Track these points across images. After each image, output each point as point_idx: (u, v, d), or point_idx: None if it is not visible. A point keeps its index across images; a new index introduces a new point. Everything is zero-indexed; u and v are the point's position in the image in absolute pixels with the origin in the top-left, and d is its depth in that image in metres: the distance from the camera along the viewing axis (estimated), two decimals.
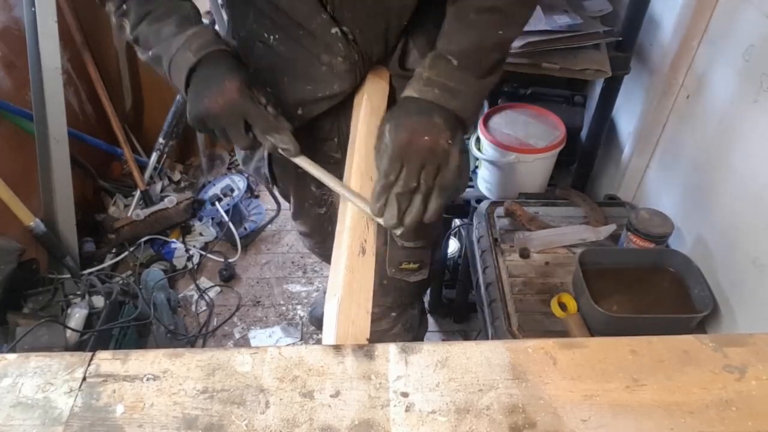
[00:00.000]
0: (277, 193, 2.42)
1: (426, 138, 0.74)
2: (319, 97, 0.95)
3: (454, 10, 0.82)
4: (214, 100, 0.79)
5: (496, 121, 1.58)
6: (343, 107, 0.98)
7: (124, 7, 0.85)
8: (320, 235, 1.49)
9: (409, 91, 0.81)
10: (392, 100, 0.96)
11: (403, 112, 0.79)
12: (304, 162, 0.84)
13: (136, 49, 0.89)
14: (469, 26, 0.80)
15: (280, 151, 0.82)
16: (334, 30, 0.88)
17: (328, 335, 0.63)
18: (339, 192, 0.81)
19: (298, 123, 0.97)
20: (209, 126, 0.82)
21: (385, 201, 0.74)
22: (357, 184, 0.82)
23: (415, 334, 1.39)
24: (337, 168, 1.06)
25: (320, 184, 1.20)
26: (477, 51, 0.81)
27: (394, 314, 1.31)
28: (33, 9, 1.81)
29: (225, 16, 0.97)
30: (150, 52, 0.86)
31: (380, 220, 0.75)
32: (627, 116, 1.65)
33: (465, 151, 1.19)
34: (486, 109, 1.61)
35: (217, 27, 2.46)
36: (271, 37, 0.91)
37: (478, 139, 1.58)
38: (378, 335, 1.33)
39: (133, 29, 0.86)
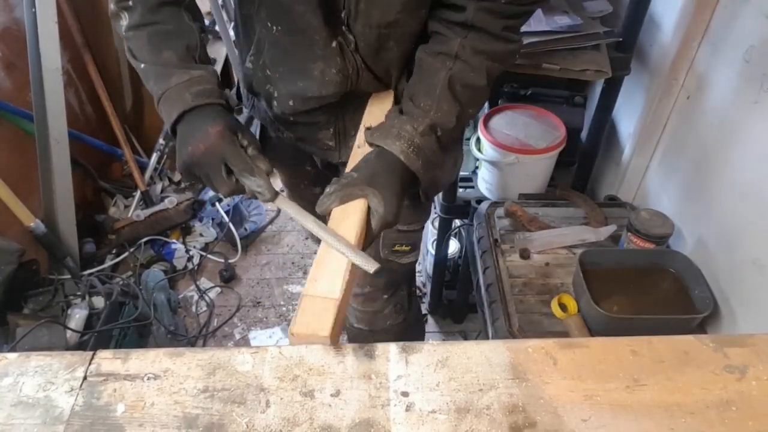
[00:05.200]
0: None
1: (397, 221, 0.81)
2: (309, 96, 0.95)
3: (448, 75, 0.84)
4: (197, 147, 0.79)
5: (496, 121, 1.58)
6: (340, 103, 0.98)
7: (130, 2, 0.83)
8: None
9: (395, 146, 0.82)
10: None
11: (390, 184, 0.80)
12: (282, 204, 0.81)
13: (126, 47, 0.87)
14: (455, 99, 0.85)
15: (256, 194, 0.81)
16: (334, 43, 0.88)
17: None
18: (322, 238, 0.73)
19: (291, 111, 0.99)
20: (195, 173, 0.82)
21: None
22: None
23: (405, 315, 1.42)
24: (331, 153, 1.08)
25: (314, 164, 1.22)
26: (456, 127, 0.87)
27: (385, 296, 1.34)
28: (33, 10, 1.81)
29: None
30: (142, 65, 0.85)
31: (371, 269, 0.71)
32: (627, 117, 1.65)
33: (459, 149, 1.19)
34: (486, 110, 1.61)
35: (217, 27, 2.47)
36: (275, 27, 0.91)
37: (478, 140, 1.59)
38: (369, 316, 1.36)
39: (131, 29, 0.84)
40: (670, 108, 1.42)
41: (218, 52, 2.55)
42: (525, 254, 1.36)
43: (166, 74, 0.83)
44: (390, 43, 0.90)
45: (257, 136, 1.19)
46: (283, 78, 0.96)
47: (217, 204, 2.40)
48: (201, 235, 2.42)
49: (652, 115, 1.46)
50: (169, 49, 0.83)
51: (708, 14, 1.24)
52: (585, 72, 1.39)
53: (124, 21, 0.84)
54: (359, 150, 0.88)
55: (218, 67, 2.49)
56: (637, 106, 1.54)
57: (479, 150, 1.59)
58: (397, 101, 0.98)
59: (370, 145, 0.86)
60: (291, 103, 0.98)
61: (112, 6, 0.86)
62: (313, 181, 1.30)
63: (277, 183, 1.29)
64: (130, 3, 0.84)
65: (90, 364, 0.56)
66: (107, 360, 0.57)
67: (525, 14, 0.87)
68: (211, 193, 2.46)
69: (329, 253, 0.70)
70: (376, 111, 0.95)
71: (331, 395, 0.53)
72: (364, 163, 0.83)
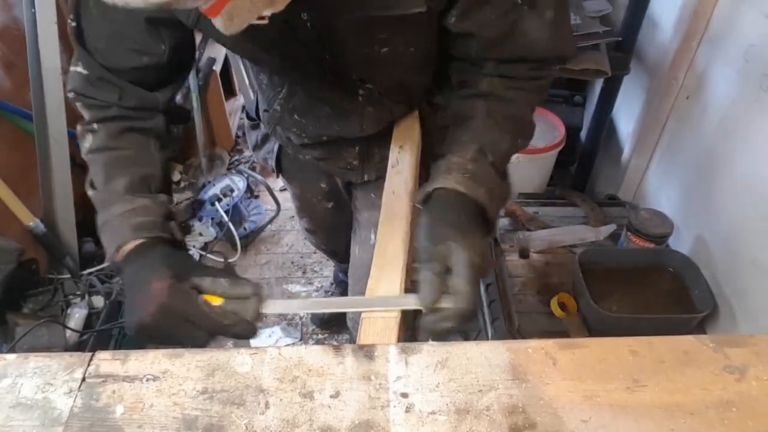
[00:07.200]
0: (276, 194, 2.42)
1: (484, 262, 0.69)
2: (344, 137, 0.97)
3: (485, 108, 0.79)
4: (145, 310, 0.65)
5: None
6: None
7: (95, 125, 0.78)
8: (325, 231, 1.49)
9: (448, 180, 0.72)
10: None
11: (458, 223, 0.69)
12: (275, 310, 0.69)
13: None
14: (500, 128, 0.78)
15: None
16: (361, 98, 0.89)
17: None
18: (348, 310, 0.69)
19: (322, 142, 1.00)
20: (156, 338, 0.68)
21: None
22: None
23: (410, 333, 1.40)
24: (354, 173, 1.07)
25: (330, 179, 1.21)
26: (507, 154, 0.79)
27: None
28: (33, 9, 1.81)
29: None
30: (91, 192, 0.79)
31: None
32: (627, 116, 1.65)
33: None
34: None
35: None
36: (298, 87, 0.92)
37: None
38: None
39: (91, 152, 0.79)
40: (669, 107, 1.42)
41: (218, 52, 2.54)
42: (524, 254, 1.36)
43: (108, 203, 0.75)
44: (409, 86, 0.91)
45: (275, 154, 1.16)
46: (316, 122, 0.96)
47: (216, 203, 2.39)
48: (200, 234, 2.42)
49: (652, 114, 1.46)
50: (122, 176, 0.76)
51: (708, 14, 1.24)
52: (585, 71, 1.39)
53: (87, 143, 0.79)
54: (393, 170, 0.87)
55: (218, 67, 2.48)
56: (636, 106, 1.54)
57: None
58: (421, 117, 0.97)
59: (425, 202, 0.75)
60: (325, 138, 0.99)
61: (78, 127, 0.80)
62: (326, 196, 1.29)
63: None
64: (95, 126, 0.78)
65: (89, 365, 0.56)
66: (106, 361, 0.57)
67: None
68: (210, 193, 2.46)
69: (381, 272, 0.71)
70: (403, 128, 0.96)
71: (331, 396, 0.53)
72: (425, 222, 0.71)
